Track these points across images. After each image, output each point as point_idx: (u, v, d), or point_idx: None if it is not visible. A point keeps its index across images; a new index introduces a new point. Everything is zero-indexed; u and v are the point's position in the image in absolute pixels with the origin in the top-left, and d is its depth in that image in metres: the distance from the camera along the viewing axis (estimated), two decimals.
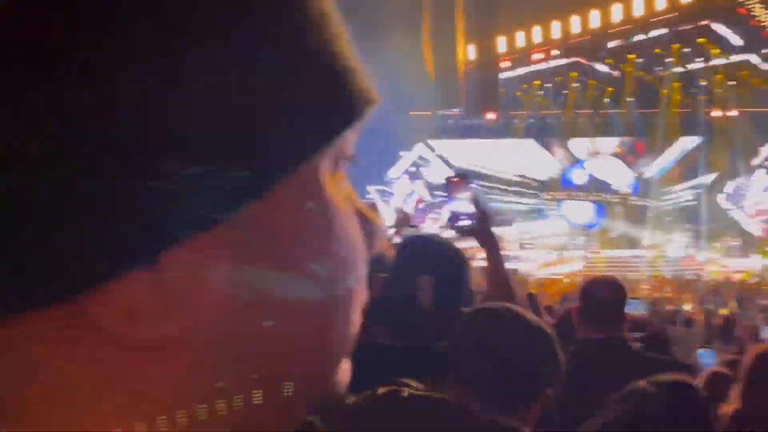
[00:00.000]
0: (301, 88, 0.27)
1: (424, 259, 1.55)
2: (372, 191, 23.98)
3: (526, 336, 1.32)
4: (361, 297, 0.31)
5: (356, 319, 0.31)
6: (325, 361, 0.29)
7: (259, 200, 0.25)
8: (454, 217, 1.80)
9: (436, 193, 24.03)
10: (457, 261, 1.58)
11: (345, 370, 0.31)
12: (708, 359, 3.66)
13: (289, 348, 0.27)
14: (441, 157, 26.69)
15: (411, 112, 24.90)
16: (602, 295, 2.27)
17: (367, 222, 0.33)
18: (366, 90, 0.32)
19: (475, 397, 1.18)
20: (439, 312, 1.44)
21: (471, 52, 25.06)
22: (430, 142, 26.43)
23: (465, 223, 1.80)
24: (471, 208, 1.77)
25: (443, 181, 1.91)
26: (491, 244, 1.83)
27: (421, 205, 24.49)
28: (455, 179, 1.77)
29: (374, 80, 0.33)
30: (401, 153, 26.21)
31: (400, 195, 24.85)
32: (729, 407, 2.64)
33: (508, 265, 1.92)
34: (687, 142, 27.29)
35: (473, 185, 1.79)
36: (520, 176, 27.29)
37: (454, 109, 25.82)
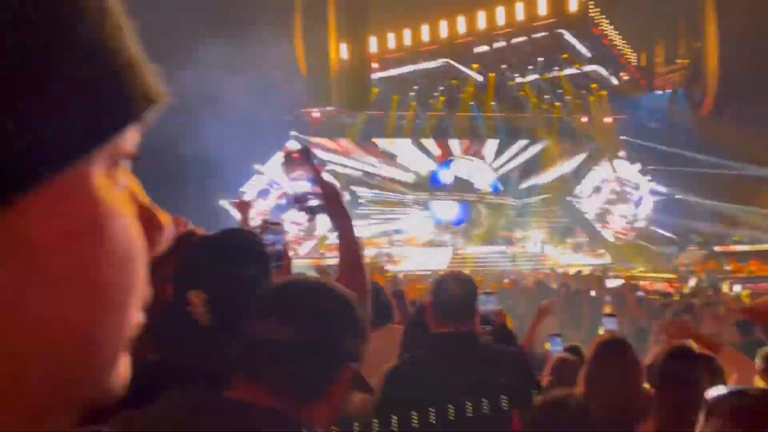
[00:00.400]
0: (66, 84, 0.25)
1: (201, 267, 1.28)
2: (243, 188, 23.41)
3: (317, 301, 1.13)
4: (137, 299, 0.30)
5: (130, 322, 0.29)
6: (91, 367, 0.28)
7: (9, 206, 0.24)
8: (301, 197, 1.66)
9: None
10: (250, 264, 1.33)
11: (122, 374, 0.30)
12: (556, 346, 3.89)
13: (48, 352, 0.25)
14: (313, 155, 26.51)
15: (284, 109, 24.63)
16: (452, 290, 2.28)
17: (151, 221, 0.32)
18: (149, 87, 0.30)
19: (263, 390, 1.03)
20: (222, 326, 1.19)
21: (343, 50, 25.17)
22: (303, 138, 26.21)
23: (313, 201, 1.66)
24: (315, 185, 1.64)
25: (282, 158, 1.68)
26: (343, 221, 1.72)
27: (284, 200, 24.05)
28: (295, 155, 1.59)
29: (163, 76, 0.31)
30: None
31: (257, 188, 24.20)
32: (575, 390, 2.79)
33: (360, 246, 1.78)
34: (545, 144, 29.24)
35: (314, 160, 1.60)
36: (391, 175, 27.82)
37: (327, 107, 25.76)
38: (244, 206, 3.63)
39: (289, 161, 1.58)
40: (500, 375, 2.18)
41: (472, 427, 2.02)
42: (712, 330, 5.86)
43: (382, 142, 27.69)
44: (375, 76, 26.72)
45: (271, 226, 2.15)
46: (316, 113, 25.52)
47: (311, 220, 1.71)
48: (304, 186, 1.64)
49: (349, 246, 1.71)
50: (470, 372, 2.11)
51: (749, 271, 18.15)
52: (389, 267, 20.78)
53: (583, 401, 2.38)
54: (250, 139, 19.44)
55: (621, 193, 29.18)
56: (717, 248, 23.78)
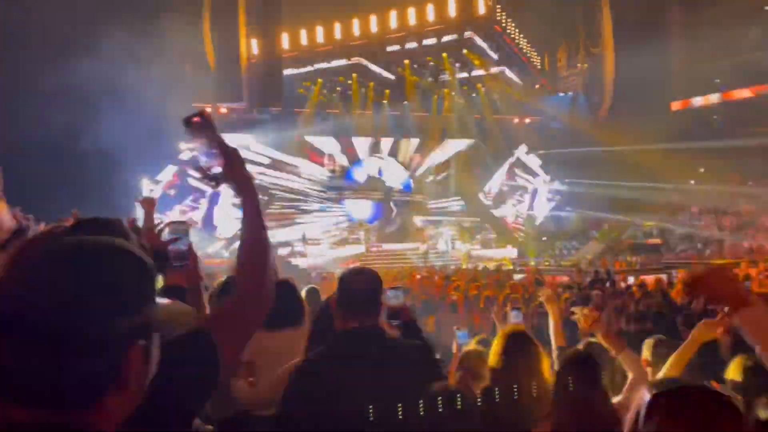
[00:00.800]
0: None
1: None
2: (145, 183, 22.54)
3: (63, 278, 0.86)
4: None
5: None
6: None
7: None
8: (203, 166, 1.50)
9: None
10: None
11: None
12: (464, 339, 3.96)
13: None
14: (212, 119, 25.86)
15: (194, 104, 23.83)
16: (357, 286, 2.30)
17: None
18: None
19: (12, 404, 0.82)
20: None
21: (254, 46, 24.68)
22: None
23: (216, 169, 1.51)
24: (217, 152, 1.50)
25: (183, 124, 1.43)
26: (246, 189, 1.56)
27: (172, 191, 23.24)
28: (195, 119, 1.44)
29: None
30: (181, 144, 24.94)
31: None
32: (482, 383, 2.87)
33: (265, 221, 1.60)
34: (456, 144, 29.93)
35: (214, 125, 1.45)
36: (307, 173, 27.60)
37: (238, 103, 25.15)
38: (148, 203, 3.47)
39: (191, 127, 1.43)
40: (406, 368, 2.20)
41: (380, 421, 2.02)
42: (608, 320, 6.20)
43: (298, 138, 27.45)
44: (287, 72, 26.40)
45: (175, 225, 2.04)
46: (223, 109, 24.84)
47: (216, 187, 1.57)
48: (206, 152, 1.49)
49: (253, 219, 1.55)
50: (376, 367, 2.12)
51: (641, 263, 19.36)
52: (300, 263, 20.64)
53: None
54: (155, 134, 18.69)
55: (522, 191, 30.34)
56: (614, 243, 25.25)
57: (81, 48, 15.90)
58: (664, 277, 12.34)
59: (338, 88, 27.27)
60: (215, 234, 22.39)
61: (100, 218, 1.34)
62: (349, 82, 26.91)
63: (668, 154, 25.44)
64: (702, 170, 29.95)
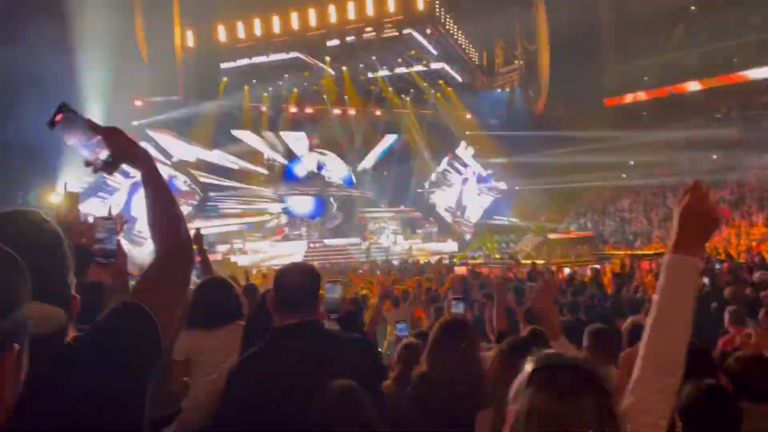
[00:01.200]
0: None
1: None
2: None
3: None
4: None
5: None
6: None
7: None
8: (90, 158, 1.40)
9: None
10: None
11: None
12: (403, 332, 3.99)
13: None
14: (158, 147, 25.13)
15: (133, 98, 23.10)
16: (294, 280, 2.26)
17: None
18: None
19: None
20: None
21: (190, 38, 24.05)
22: (147, 130, 24.68)
23: (103, 154, 1.40)
24: (95, 137, 1.40)
25: (48, 128, 1.30)
26: (139, 160, 1.45)
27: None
28: (57, 117, 1.33)
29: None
30: None
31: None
32: (419, 370, 2.87)
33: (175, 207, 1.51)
34: (393, 139, 30.08)
35: (80, 113, 1.32)
36: (245, 168, 27.14)
37: (172, 96, 24.42)
38: (71, 198, 3.34)
39: (57, 127, 1.32)
40: (345, 362, 2.17)
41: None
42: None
43: (235, 134, 26.94)
44: (224, 65, 25.83)
45: (103, 220, 1.93)
46: (158, 100, 24.04)
47: (112, 172, 1.45)
48: (87, 146, 1.38)
49: (153, 184, 1.45)
50: (315, 362, 2.10)
51: (577, 255, 19.98)
52: (240, 260, 20.30)
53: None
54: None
55: (461, 185, 30.77)
56: (550, 236, 25.92)
57: (4, 36, 15.11)
58: (597, 268, 12.74)
59: (279, 83, 26.85)
60: (134, 227, 21.66)
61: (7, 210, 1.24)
62: (286, 76, 26.52)
63: (601, 149, 26.30)
64: (632, 163, 31.15)
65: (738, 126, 29.64)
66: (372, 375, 2.35)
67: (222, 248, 23.63)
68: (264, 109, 27.46)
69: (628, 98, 32.05)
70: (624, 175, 30.97)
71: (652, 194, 27.94)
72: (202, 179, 25.21)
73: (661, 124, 29.98)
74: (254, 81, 26.16)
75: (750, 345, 3.96)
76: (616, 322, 5.92)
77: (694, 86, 30.35)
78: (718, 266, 9.93)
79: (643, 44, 30.21)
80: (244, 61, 25.63)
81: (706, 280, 7.93)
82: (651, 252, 18.68)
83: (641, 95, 31.81)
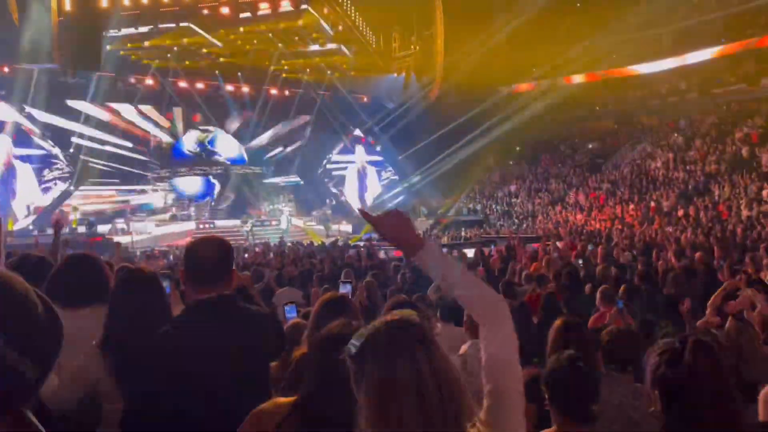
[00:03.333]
0: None
1: None
2: None
3: None
4: None
5: None
6: None
7: None
8: None
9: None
10: None
11: None
12: (291, 313, 4.02)
13: None
14: (31, 117, 23.29)
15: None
16: (205, 254, 2.22)
17: None
18: None
19: None
20: None
21: (67, 3, 22.17)
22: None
23: None
24: None
25: None
26: None
27: None
28: None
29: None
30: None
31: None
32: (299, 351, 2.86)
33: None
34: (294, 119, 29.68)
35: None
36: (130, 146, 25.79)
37: (49, 65, 22.53)
38: None
39: None
40: (255, 337, 2.20)
41: (234, 387, 1.99)
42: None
43: (119, 108, 25.47)
44: (108, 34, 24.09)
45: None
46: (32, 68, 22.14)
47: None
48: None
49: None
50: (229, 335, 2.10)
51: (465, 237, 20.71)
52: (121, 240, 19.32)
53: None
54: None
55: (357, 167, 30.97)
56: (441, 219, 26.73)
57: None
58: (485, 250, 13.24)
59: (168, 55, 25.52)
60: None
61: None
62: (175, 49, 25.25)
63: (491, 136, 27.30)
64: (518, 149, 32.64)
65: (613, 118, 31.86)
66: (277, 347, 2.46)
67: (103, 228, 22.41)
68: (151, 82, 26.07)
69: (520, 87, 33.40)
70: (511, 162, 32.41)
71: (536, 180, 29.43)
72: (84, 156, 23.77)
73: (547, 113, 31.55)
74: (139, 52, 24.71)
75: (615, 322, 4.27)
76: None
77: (577, 78, 32.13)
78: (591, 248, 10.62)
79: (533, 35, 31.48)
80: (130, 30, 24.03)
81: (580, 262, 8.46)
82: (535, 235, 19.71)
83: (529, 86, 33.25)
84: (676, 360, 1.86)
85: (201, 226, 24.39)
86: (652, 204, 21.52)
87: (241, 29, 25.13)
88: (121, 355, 2.38)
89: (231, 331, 2.13)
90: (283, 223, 25.84)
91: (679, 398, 1.81)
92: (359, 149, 30.95)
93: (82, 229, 21.32)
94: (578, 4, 32.61)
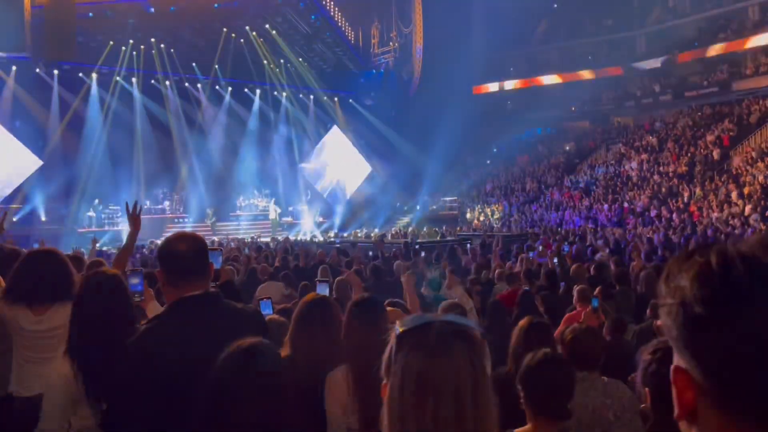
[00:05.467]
0: None
1: None
2: None
3: None
4: None
5: None
6: None
7: None
8: None
9: None
10: None
11: None
12: (266, 309, 3.96)
13: None
14: None
15: None
16: (182, 250, 2.16)
17: None
18: None
19: None
20: None
21: None
22: None
23: None
24: None
25: None
26: None
27: None
28: None
29: None
30: None
31: None
32: (283, 351, 2.84)
33: None
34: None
35: None
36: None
37: (20, 54, 21.96)
38: None
39: None
40: (240, 334, 2.07)
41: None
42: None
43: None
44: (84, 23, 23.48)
45: None
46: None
47: None
48: None
49: None
50: (216, 332, 2.03)
51: (441, 235, 20.77)
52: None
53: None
54: None
55: (336, 162, 30.84)
56: (417, 216, 26.79)
57: None
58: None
59: (142, 47, 25.05)
60: None
61: None
62: (153, 40, 24.81)
63: (468, 134, 27.42)
64: (495, 149, 32.87)
65: (588, 119, 32.27)
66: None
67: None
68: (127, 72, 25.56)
69: (493, 87, 33.66)
70: (489, 162, 32.61)
71: (513, 180, 29.67)
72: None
73: (522, 113, 31.86)
74: (111, 43, 24.23)
75: (590, 321, 4.32)
76: (473, 297, 6.28)
77: (553, 79, 32.49)
78: (566, 249, 10.74)
79: (509, 36, 31.78)
80: (105, 20, 23.47)
81: (555, 260, 8.55)
82: (510, 234, 19.88)
83: (507, 84, 33.53)
84: (668, 358, 1.88)
85: (176, 220, 24.13)
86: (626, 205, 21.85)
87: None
88: (86, 359, 2.36)
89: (218, 328, 2.08)
90: (271, 213, 25.46)
91: (668, 396, 1.83)
92: (337, 144, 30.82)
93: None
94: (555, 6, 32.98)
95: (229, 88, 27.56)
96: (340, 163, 30.14)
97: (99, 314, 2.44)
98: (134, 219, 3.78)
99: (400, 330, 1.14)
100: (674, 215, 19.15)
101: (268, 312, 4.03)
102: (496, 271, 7.75)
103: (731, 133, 23.65)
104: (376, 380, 1.20)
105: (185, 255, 2.15)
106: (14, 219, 18.72)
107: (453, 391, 1.09)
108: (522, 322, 3.17)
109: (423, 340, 1.12)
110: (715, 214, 18.10)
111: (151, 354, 2.01)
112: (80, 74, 24.06)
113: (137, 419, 1.93)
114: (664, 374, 1.86)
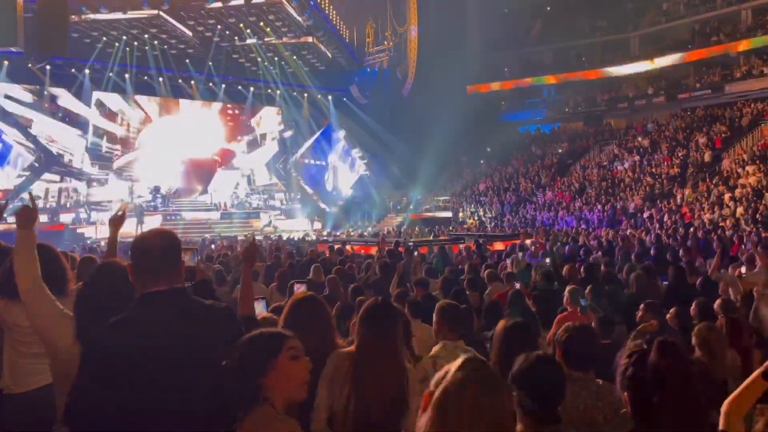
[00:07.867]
0: None
1: None
2: None
3: None
4: None
5: None
6: None
7: None
8: None
9: None
10: None
11: None
12: (260, 309, 3.96)
13: None
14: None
15: None
16: (152, 245, 2.15)
17: None
18: None
19: None
20: None
21: None
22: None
23: None
24: None
25: None
26: None
27: None
28: None
29: None
30: None
31: None
32: None
33: None
34: (267, 112, 29.36)
35: None
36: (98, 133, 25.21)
37: (13, 49, 21.82)
38: None
39: None
40: (212, 331, 2.13)
41: (189, 383, 1.95)
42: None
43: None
44: (76, 18, 23.38)
45: None
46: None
47: None
48: None
49: None
50: (184, 329, 2.04)
51: (434, 234, 20.76)
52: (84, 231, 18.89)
53: None
54: None
55: (331, 162, 30.83)
56: (411, 216, 26.79)
57: None
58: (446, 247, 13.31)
59: (135, 43, 24.96)
60: None
61: None
62: (146, 36, 24.72)
63: (462, 134, 27.44)
64: (489, 150, 32.89)
65: (582, 120, 32.35)
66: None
67: (65, 218, 21.93)
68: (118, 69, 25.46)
69: (487, 87, 33.69)
70: (482, 161, 32.65)
71: (506, 180, 29.69)
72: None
73: (516, 114, 31.90)
74: (104, 39, 24.13)
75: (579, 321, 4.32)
76: (470, 299, 6.28)
77: (546, 80, 32.57)
78: (558, 247, 10.76)
79: (505, 37, 31.82)
80: (99, 16, 23.39)
81: (548, 260, 8.57)
82: (502, 234, 19.91)
83: (500, 85, 33.56)
84: (643, 361, 1.89)
85: (169, 218, 24.07)
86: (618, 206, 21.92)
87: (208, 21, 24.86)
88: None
89: (182, 324, 2.07)
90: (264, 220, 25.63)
91: (645, 399, 1.84)
92: (332, 142, 30.79)
93: (44, 218, 20.83)
94: (548, 8, 33.07)
95: (223, 86, 27.53)
96: (331, 161, 30.12)
97: (108, 298, 2.47)
98: (116, 220, 3.81)
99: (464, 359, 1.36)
100: (666, 216, 19.22)
101: (263, 310, 4.05)
102: (486, 271, 7.75)
103: (723, 135, 23.78)
104: (380, 372, 1.27)
105: (155, 251, 2.14)
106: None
107: None
108: (501, 324, 3.13)
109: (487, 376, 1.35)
110: (707, 216, 18.19)
111: (115, 348, 1.98)
112: (72, 70, 23.96)
113: (99, 413, 1.91)
114: (641, 378, 1.87)
